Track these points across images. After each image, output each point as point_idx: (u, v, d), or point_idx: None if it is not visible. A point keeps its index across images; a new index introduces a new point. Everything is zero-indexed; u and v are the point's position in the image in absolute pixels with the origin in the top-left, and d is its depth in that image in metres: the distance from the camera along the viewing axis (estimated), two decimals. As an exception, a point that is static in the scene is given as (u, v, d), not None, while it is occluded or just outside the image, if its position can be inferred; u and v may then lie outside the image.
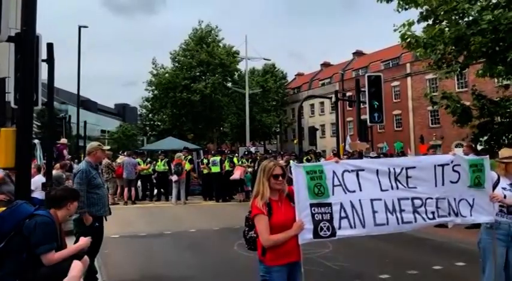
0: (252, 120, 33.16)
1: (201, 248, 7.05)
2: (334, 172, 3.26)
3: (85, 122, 26.31)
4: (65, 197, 3.48)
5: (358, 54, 48.64)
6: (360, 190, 3.33)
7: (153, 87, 31.19)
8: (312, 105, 46.70)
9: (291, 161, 3.38)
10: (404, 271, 5.54)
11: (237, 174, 13.55)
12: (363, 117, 11.24)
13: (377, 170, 3.41)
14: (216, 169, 13.91)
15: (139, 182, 14.59)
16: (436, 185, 3.56)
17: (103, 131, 66.09)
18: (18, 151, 3.42)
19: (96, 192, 4.64)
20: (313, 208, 3.11)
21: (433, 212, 3.53)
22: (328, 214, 3.16)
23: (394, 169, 3.46)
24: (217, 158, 14.15)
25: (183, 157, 13.88)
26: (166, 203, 13.92)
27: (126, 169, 13.58)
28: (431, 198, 3.53)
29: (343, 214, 3.24)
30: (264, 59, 29.60)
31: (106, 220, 5.04)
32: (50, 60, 7.69)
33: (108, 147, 4.90)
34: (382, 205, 3.36)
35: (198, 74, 31.11)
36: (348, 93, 26.39)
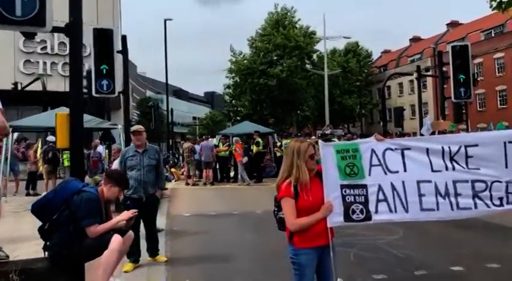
0: (332, 103, 32.18)
1: (264, 228, 7.09)
2: (373, 151, 2.95)
3: (172, 109, 28.20)
4: (111, 179, 3.74)
5: (453, 25, 43.55)
6: (405, 171, 2.96)
7: (233, 75, 32.08)
8: (400, 84, 43.47)
9: (319, 140, 3.13)
10: (482, 264, 4.87)
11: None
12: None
13: (427, 149, 2.98)
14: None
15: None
16: (507, 166, 2.99)
17: (194, 118, 70.30)
18: (72, 133, 3.76)
19: (127, 173, 4.77)
20: (344, 190, 2.88)
21: (501, 198, 2.98)
22: (363, 196, 2.90)
23: (449, 147, 2.97)
24: (289, 141, 14.08)
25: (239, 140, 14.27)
26: (240, 185, 14.33)
27: (204, 151, 14.31)
28: (500, 181, 2.97)
29: (381, 197, 2.94)
30: (344, 37, 28.34)
31: (143, 201, 4.91)
32: (124, 51, 8.37)
33: (139, 128, 4.92)
34: (431, 187, 2.95)
35: (275, 58, 31.10)
36: (443, 69, 23.79)
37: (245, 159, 13.80)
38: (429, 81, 33.37)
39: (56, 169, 11.63)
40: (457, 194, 2.96)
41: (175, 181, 16.04)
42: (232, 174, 15.38)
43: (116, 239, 3.44)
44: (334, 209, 2.82)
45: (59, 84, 19.10)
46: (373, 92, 46.05)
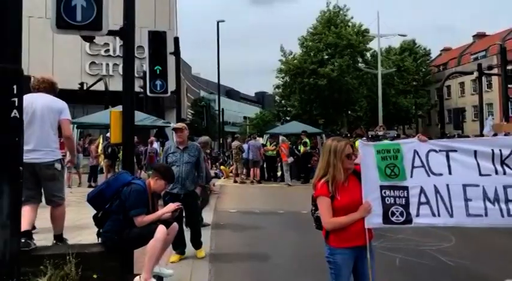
0: (386, 103, 30.99)
1: (308, 228, 7.04)
2: (416, 152, 2.87)
3: (223, 109, 28.90)
4: (158, 172, 3.98)
5: (525, 18, 39.94)
6: (449, 173, 2.84)
7: (283, 74, 32.09)
8: (462, 84, 40.81)
9: (359, 140, 3.10)
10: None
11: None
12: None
13: (475, 151, 2.84)
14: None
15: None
16: None
17: (244, 118, 71.29)
18: (124, 129, 4.05)
19: None
20: (383, 191, 2.83)
21: None
22: (403, 199, 2.84)
23: (500, 150, 2.82)
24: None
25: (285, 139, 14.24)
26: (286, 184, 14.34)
27: (252, 150, 14.53)
28: None
29: (423, 199, 2.85)
30: (400, 35, 27.19)
31: (181, 197, 4.98)
32: (176, 53, 8.77)
33: (181, 125, 5.02)
34: (479, 192, 2.81)
35: (325, 57, 30.63)
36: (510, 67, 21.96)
37: (290, 159, 13.80)
38: (495, 80, 30.96)
39: (115, 163, 12.42)
40: (508, 200, 2.79)
41: (224, 178, 16.48)
42: (279, 174, 15.46)
43: (161, 230, 3.66)
44: (372, 211, 2.78)
45: (119, 84, 20.40)
46: (431, 92, 43.65)
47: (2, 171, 2.90)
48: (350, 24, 30.95)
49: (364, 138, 13.34)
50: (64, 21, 3.62)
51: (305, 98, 30.90)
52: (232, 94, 74.42)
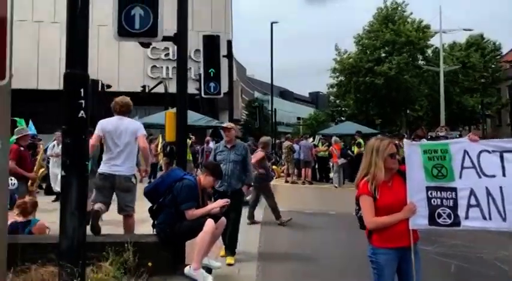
0: (449, 103, 29.10)
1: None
2: (466, 152, 2.76)
3: (275, 110, 29.02)
4: (207, 169, 4.20)
5: None
6: (503, 175, 2.70)
7: (337, 74, 31.42)
8: (539, 81, 37.10)
9: (405, 139, 3.05)
10: None
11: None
12: None
13: None
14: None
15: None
16: None
17: (298, 118, 70.94)
18: (178, 129, 4.33)
19: None
20: (430, 192, 2.76)
21: None
22: (451, 200, 2.74)
23: None
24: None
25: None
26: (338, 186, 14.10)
27: (303, 151, 14.50)
28: None
29: (473, 202, 2.74)
30: (465, 29, 25.38)
31: (228, 194, 5.01)
32: (229, 55, 9.07)
33: (229, 125, 5.15)
34: None
35: (382, 55, 29.49)
36: None
37: (341, 160, 13.54)
38: None
39: (173, 161, 13.06)
40: None
41: (276, 178, 16.60)
42: (331, 175, 15.25)
43: (210, 223, 3.87)
44: (417, 212, 2.73)
45: (177, 86, 21.48)
46: (501, 90, 40.17)
47: (70, 166, 3.26)
48: (409, 20, 29.50)
49: (424, 139, 12.67)
50: (124, 29, 3.97)
51: (361, 97, 30.00)
52: (286, 95, 74.42)
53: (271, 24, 27.85)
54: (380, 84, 27.83)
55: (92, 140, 4.33)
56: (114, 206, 4.68)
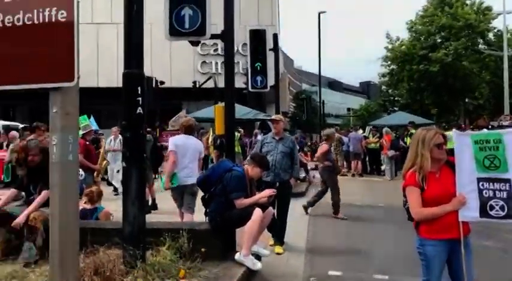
0: (513, 89, 26.86)
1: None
2: None
3: (323, 101, 28.58)
4: (254, 160, 4.36)
5: None
6: None
7: (389, 62, 30.19)
8: None
9: (454, 129, 2.98)
10: None
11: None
12: None
13: None
14: (450, 145, 12.52)
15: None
16: None
17: (348, 109, 69.21)
18: (226, 122, 4.54)
19: None
20: (481, 183, 2.70)
21: None
22: (505, 192, 2.66)
23: None
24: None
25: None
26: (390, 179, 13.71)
27: (353, 143, 14.24)
28: None
29: None
30: (533, 8, 23.08)
31: (276, 185, 5.07)
32: (275, 49, 9.15)
33: (277, 117, 5.25)
34: None
35: (438, 41, 27.80)
36: None
37: (391, 152, 13.11)
38: None
39: (223, 153, 13.45)
40: None
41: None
42: (383, 167, 14.84)
43: (258, 212, 4.03)
44: (467, 203, 2.68)
45: (226, 81, 21.98)
46: None
47: (130, 159, 3.57)
48: (468, 2, 27.50)
49: (477, 129, 11.90)
50: (175, 29, 4.22)
51: (414, 86, 28.60)
52: (334, 85, 72.72)
53: (319, 14, 27.47)
54: (435, 72, 26.35)
55: (171, 158, 5.22)
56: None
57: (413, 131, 13.74)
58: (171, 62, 21.49)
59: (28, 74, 2.95)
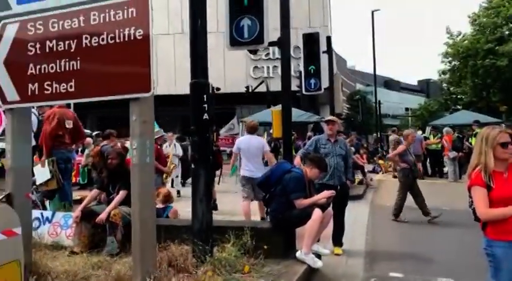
0: None
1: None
2: None
3: (379, 101, 27.72)
4: (312, 162, 4.49)
5: None
6: None
7: (450, 59, 28.55)
8: None
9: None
10: None
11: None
12: None
13: None
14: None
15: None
16: None
17: (406, 109, 66.31)
18: (284, 125, 4.71)
19: None
20: None
21: None
22: None
23: None
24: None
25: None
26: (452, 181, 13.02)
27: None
28: None
29: None
30: None
31: (338, 189, 5.02)
32: (329, 51, 9.20)
33: (333, 118, 5.21)
34: None
35: (506, 33, 25.77)
36: None
37: (452, 153, 12.43)
38: None
39: (277, 156, 13.68)
40: None
41: (383, 173, 16.02)
42: (446, 169, 14.13)
43: (318, 212, 4.15)
44: None
45: (279, 84, 22.18)
46: None
47: (199, 160, 3.88)
48: (540, -12, 25.35)
49: None
50: (235, 40, 4.48)
51: (479, 82, 26.78)
52: (391, 84, 69.94)
53: (372, 12, 26.80)
54: (503, 66, 24.50)
55: (233, 157, 6.79)
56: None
57: (478, 130, 12.96)
58: (225, 69, 22.20)
59: (112, 87, 3.35)
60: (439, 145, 13.89)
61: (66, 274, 3.59)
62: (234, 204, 7.58)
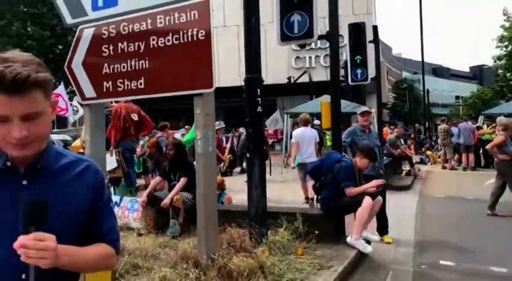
0: None
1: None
2: None
3: (427, 90, 26.62)
4: (362, 152, 4.63)
5: None
6: None
7: (506, 43, 26.78)
8: None
9: None
10: None
11: None
12: None
13: None
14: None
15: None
16: None
17: (457, 97, 63.03)
18: (333, 116, 4.87)
19: None
20: None
21: None
22: None
23: None
24: None
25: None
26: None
27: (463, 134, 13.25)
28: None
29: None
30: None
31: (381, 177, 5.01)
32: (375, 41, 9.10)
33: (368, 109, 5.14)
34: None
35: None
36: None
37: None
38: None
39: (321, 147, 13.75)
40: None
41: (431, 164, 15.59)
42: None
43: (367, 200, 4.31)
44: None
45: (321, 74, 22.02)
46: None
47: (254, 150, 4.16)
48: None
49: None
50: (286, 35, 4.67)
51: (540, 67, 25.11)
52: (440, 71, 66.64)
53: (420, -2, 25.58)
54: None
55: (294, 147, 7.37)
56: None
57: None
58: (267, 60, 22.36)
59: (177, 83, 3.69)
60: (493, 135, 13.27)
61: (139, 251, 4.04)
62: (281, 192, 7.87)
